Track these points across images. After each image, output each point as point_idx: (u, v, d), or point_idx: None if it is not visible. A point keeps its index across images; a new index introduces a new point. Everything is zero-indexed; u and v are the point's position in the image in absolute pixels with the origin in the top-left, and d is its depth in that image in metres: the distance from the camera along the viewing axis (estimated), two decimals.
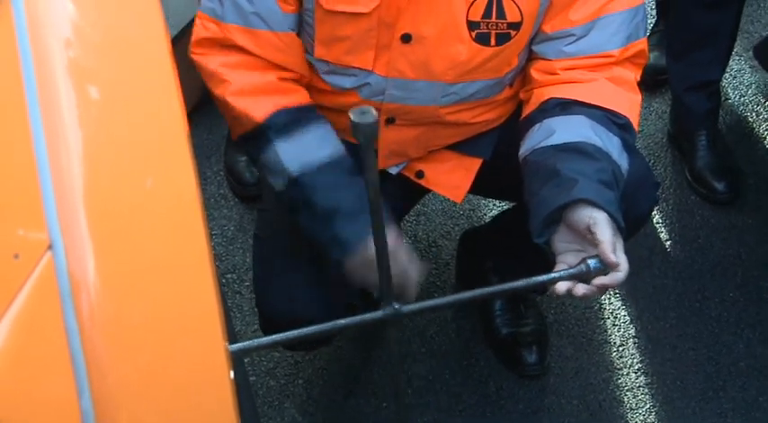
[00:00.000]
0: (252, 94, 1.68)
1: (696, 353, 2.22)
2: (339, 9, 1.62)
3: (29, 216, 0.96)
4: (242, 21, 1.66)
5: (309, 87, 1.77)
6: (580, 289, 1.50)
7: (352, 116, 1.24)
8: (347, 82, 1.73)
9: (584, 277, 1.49)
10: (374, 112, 1.25)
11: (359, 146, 1.27)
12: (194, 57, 1.70)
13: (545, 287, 1.58)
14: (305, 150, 1.67)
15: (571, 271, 1.50)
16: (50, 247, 0.95)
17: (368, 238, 1.54)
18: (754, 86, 2.81)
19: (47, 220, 0.96)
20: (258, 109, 1.67)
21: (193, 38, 1.70)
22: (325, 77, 1.74)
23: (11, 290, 0.91)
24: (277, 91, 1.70)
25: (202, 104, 2.67)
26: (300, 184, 1.65)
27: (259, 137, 1.69)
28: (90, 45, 1.15)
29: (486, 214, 2.46)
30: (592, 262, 1.48)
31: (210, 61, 1.69)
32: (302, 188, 1.66)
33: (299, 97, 1.72)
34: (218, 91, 1.69)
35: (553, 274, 1.52)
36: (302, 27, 1.71)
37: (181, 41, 2.55)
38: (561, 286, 1.51)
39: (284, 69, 1.70)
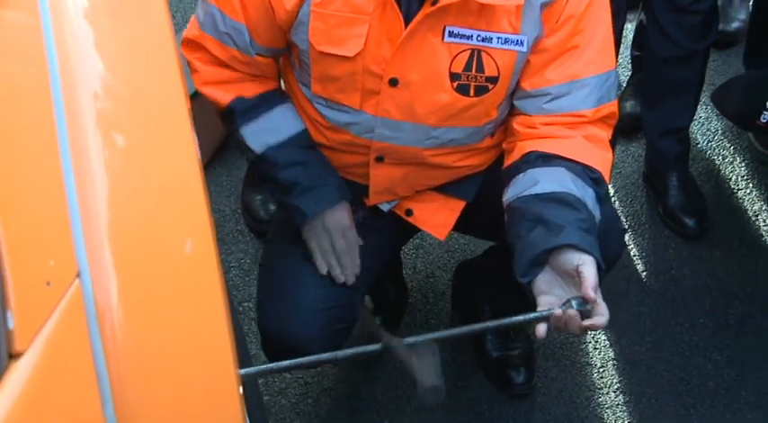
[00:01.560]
0: (218, 85, 1.76)
1: (670, 374, 2.22)
2: (327, 51, 1.64)
3: (60, 248, 0.97)
4: (216, 35, 1.70)
5: (309, 120, 1.79)
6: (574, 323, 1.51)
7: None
8: (342, 117, 1.73)
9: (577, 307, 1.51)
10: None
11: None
12: (182, 50, 1.73)
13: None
14: (267, 132, 1.76)
15: (559, 309, 1.51)
16: (78, 275, 0.96)
17: (322, 212, 1.77)
18: (719, 132, 2.81)
19: (76, 252, 0.97)
20: (224, 96, 1.76)
21: (183, 35, 1.75)
22: (323, 111, 1.75)
23: (43, 313, 0.92)
24: (241, 81, 1.76)
25: (222, 152, 2.71)
26: (264, 160, 1.77)
27: (228, 118, 1.77)
28: (116, 99, 1.17)
29: (478, 248, 2.45)
30: (575, 302, 1.51)
31: (191, 55, 1.75)
32: (266, 163, 1.77)
33: (263, 86, 1.78)
34: (194, 80, 1.76)
35: (544, 312, 1.53)
36: (301, 65, 1.73)
37: (199, 96, 2.59)
38: (541, 329, 1.53)
39: (249, 74, 1.76)
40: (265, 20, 1.66)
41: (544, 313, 1.53)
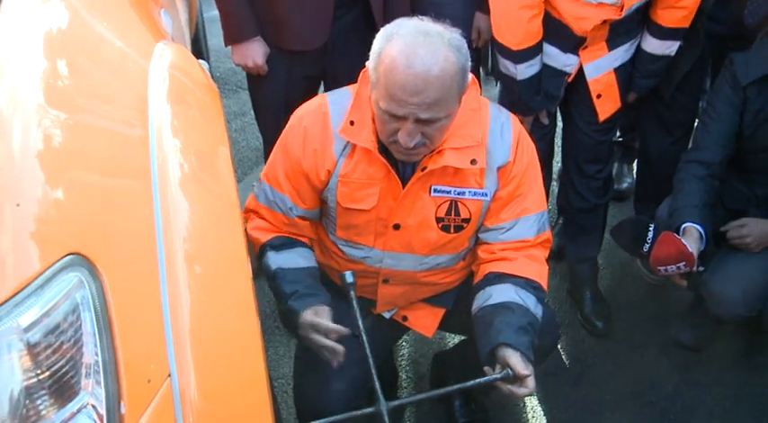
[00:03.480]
0: (264, 230, 1.71)
1: None
2: (351, 207, 1.65)
3: (157, 355, 0.98)
4: (266, 203, 1.70)
5: (332, 256, 1.77)
6: (514, 390, 1.51)
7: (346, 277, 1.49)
8: (358, 253, 1.73)
9: (508, 379, 1.51)
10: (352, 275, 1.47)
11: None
12: (243, 215, 1.72)
13: (490, 390, 1.60)
14: (285, 260, 1.68)
15: (500, 374, 1.52)
16: (169, 375, 0.97)
17: (305, 311, 1.57)
18: (619, 260, 2.83)
19: (168, 358, 0.98)
20: (265, 236, 1.70)
21: (245, 206, 1.74)
22: (344, 249, 1.75)
23: (145, 402, 0.93)
24: (281, 232, 1.71)
25: (259, 270, 2.72)
26: (276, 277, 1.65)
27: (262, 252, 1.70)
28: (197, 240, 1.15)
29: (450, 342, 2.45)
30: (510, 371, 1.51)
31: (247, 215, 1.74)
32: (277, 280, 1.65)
33: (299, 238, 1.72)
34: (247, 225, 1.71)
35: (489, 377, 1.53)
36: (328, 217, 1.72)
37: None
38: (503, 387, 1.53)
39: (292, 233, 1.72)
40: (308, 188, 1.67)
41: (488, 379, 1.53)
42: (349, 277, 1.57)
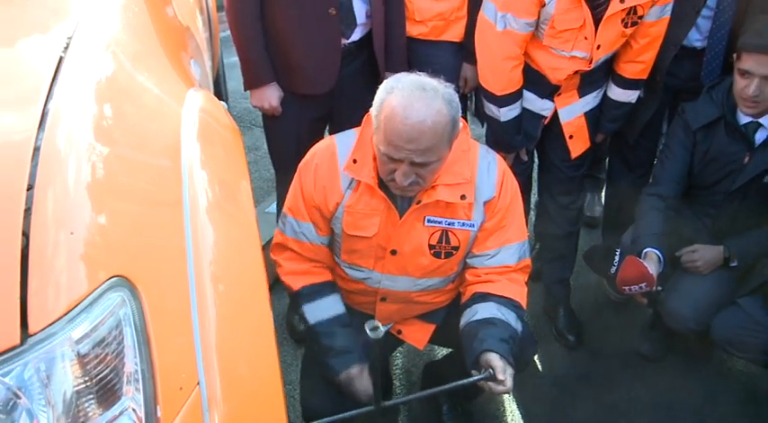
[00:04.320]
0: (294, 274, 1.73)
1: None
2: (354, 234, 1.68)
3: (188, 366, 0.98)
4: (294, 235, 1.72)
5: (335, 276, 1.78)
6: (494, 387, 1.54)
7: (368, 332, 1.36)
8: (359, 274, 1.75)
9: (489, 378, 1.54)
10: (381, 329, 1.38)
11: (371, 342, 1.37)
12: (271, 254, 1.74)
13: (474, 395, 1.61)
14: (318, 310, 1.70)
15: (484, 375, 1.54)
16: (198, 383, 0.97)
17: (346, 370, 1.64)
18: (589, 281, 2.84)
19: (197, 368, 0.98)
20: (296, 283, 1.73)
21: (272, 243, 1.77)
22: (347, 270, 1.77)
23: (178, 407, 0.94)
24: (308, 273, 1.73)
25: (274, 286, 2.68)
26: (313, 330, 1.70)
27: (296, 298, 1.74)
28: (222, 261, 1.14)
29: (439, 354, 2.44)
30: (491, 370, 1.54)
31: (276, 257, 1.75)
32: (314, 332, 1.69)
33: (323, 278, 1.75)
34: (278, 272, 1.76)
35: (474, 378, 1.56)
36: (334, 242, 1.74)
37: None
38: (485, 385, 1.56)
39: (316, 261, 1.75)
40: (320, 217, 1.69)
41: (472, 379, 1.56)
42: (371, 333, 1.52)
